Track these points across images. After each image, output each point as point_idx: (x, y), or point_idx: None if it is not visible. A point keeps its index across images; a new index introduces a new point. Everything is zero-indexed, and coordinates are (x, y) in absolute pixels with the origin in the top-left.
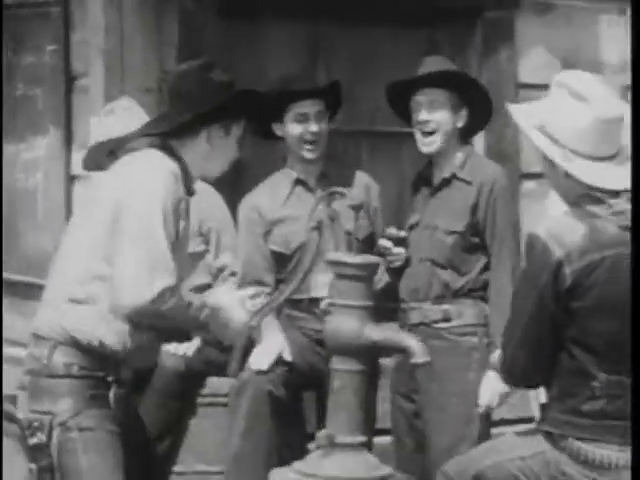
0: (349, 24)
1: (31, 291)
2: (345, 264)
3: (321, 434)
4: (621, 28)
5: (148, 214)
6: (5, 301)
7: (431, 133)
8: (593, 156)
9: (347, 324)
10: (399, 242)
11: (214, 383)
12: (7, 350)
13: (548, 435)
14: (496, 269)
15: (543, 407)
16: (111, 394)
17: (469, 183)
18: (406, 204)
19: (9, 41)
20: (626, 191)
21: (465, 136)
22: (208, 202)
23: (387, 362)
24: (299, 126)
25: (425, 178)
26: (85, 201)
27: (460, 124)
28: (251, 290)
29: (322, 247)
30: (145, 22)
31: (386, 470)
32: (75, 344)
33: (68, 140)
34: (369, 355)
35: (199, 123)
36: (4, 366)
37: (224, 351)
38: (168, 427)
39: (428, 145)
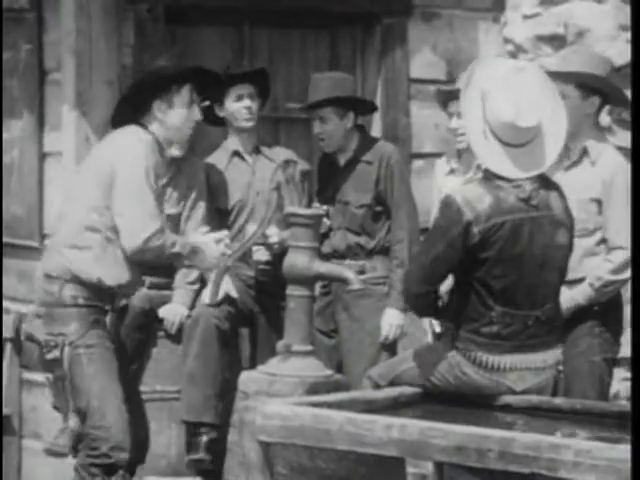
0: (267, 29)
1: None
2: (298, 215)
3: (280, 344)
4: (496, 34)
5: (135, 175)
6: None
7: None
8: (503, 141)
9: (300, 260)
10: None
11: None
12: None
13: (454, 347)
14: (395, 229)
15: (438, 335)
16: (107, 319)
17: (370, 163)
18: (315, 178)
19: None
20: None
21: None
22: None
23: None
24: (237, 103)
25: (330, 161)
26: (82, 167)
27: (349, 125)
28: (224, 233)
29: (280, 202)
30: (108, 27)
31: (328, 372)
32: (79, 281)
33: (41, 123)
34: (316, 284)
35: (144, 102)
36: None
37: None
38: (134, 354)
39: (326, 147)
